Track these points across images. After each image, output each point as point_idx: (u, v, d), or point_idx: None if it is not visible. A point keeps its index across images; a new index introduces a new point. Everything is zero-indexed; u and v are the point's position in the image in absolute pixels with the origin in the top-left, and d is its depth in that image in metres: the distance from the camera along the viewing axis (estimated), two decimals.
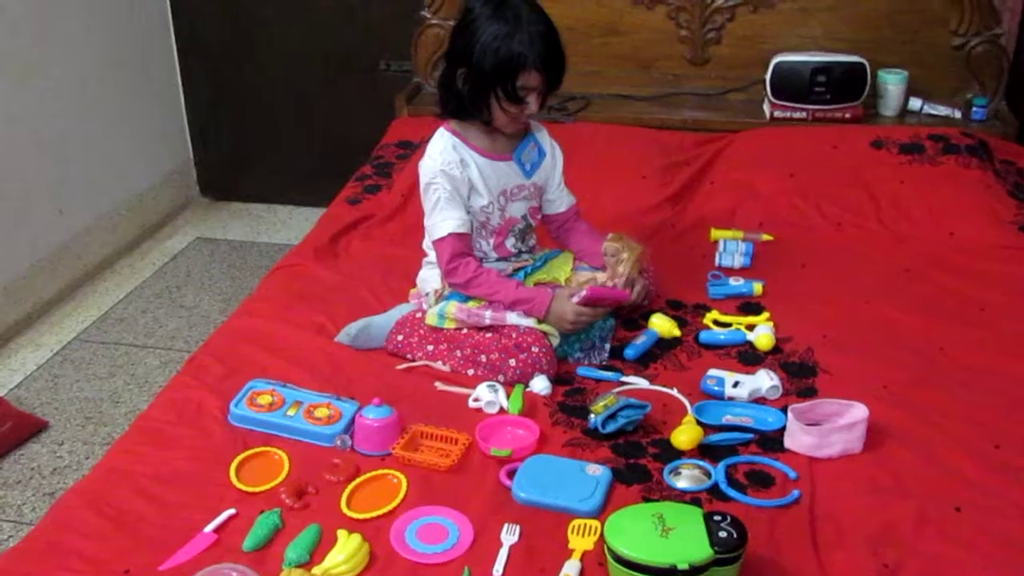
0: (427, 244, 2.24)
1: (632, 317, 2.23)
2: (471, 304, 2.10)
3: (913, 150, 2.80)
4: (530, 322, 2.06)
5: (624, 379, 2.03)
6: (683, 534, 1.45)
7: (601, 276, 2.14)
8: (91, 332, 3.24)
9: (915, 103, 3.09)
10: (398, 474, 1.74)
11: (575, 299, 2.05)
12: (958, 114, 3.05)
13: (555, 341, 2.08)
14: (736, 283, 2.36)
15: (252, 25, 3.84)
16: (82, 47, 3.49)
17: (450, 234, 2.09)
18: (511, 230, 2.22)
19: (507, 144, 2.17)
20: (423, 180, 2.13)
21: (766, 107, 3.11)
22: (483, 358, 2.04)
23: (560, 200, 2.29)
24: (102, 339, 3.20)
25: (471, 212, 2.13)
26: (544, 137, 2.25)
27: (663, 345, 2.14)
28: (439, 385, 2.01)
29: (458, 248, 2.09)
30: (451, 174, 2.08)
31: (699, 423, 1.84)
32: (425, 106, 3.30)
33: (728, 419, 1.88)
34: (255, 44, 3.88)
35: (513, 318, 2.06)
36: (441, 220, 2.09)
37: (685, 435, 1.80)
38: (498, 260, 2.22)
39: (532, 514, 1.64)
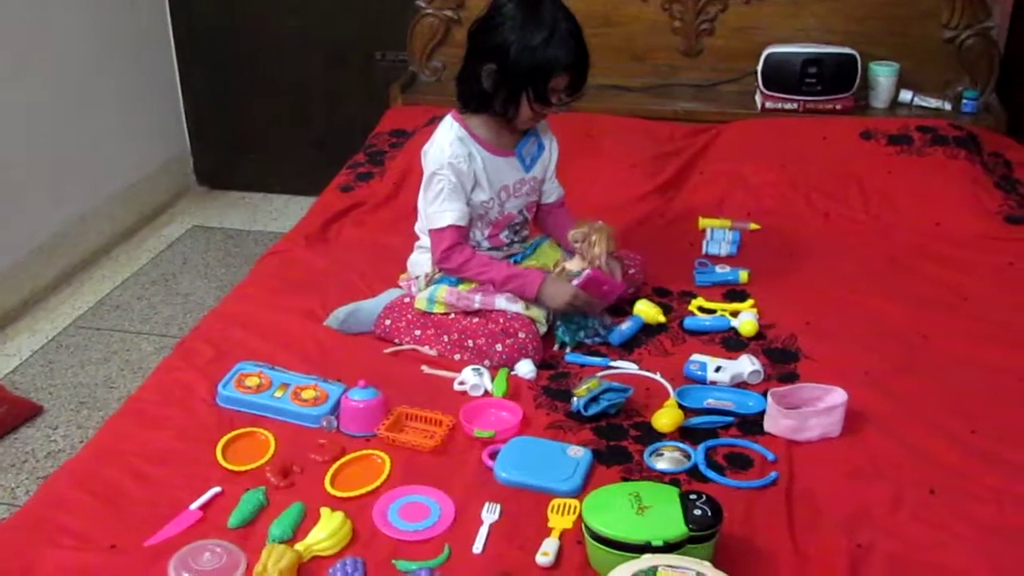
0: (420, 227, 2.26)
1: (618, 304, 2.25)
2: (462, 287, 2.13)
3: (901, 141, 2.82)
4: (518, 308, 2.08)
5: (612, 364, 2.05)
6: (659, 512, 1.48)
7: (571, 263, 2.16)
8: (87, 318, 3.27)
9: (906, 95, 3.10)
10: (382, 454, 1.76)
11: (575, 281, 2.08)
12: (948, 107, 3.07)
13: (542, 328, 2.11)
14: (722, 271, 2.38)
15: (249, 14, 3.86)
16: (80, 36, 3.51)
17: (449, 226, 2.11)
18: (508, 225, 2.25)
19: (510, 139, 2.19)
20: (429, 168, 2.15)
21: (758, 98, 3.13)
22: (470, 343, 2.07)
23: (551, 192, 2.32)
24: (98, 325, 3.22)
25: (471, 205, 2.15)
26: (544, 131, 2.28)
27: (648, 331, 2.16)
28: (425, 369, 2.04)
29: (455, 239, 2.12)
30: (458, 167, 2.10)
31: (681, 407, 1.87)
32: (420, 95, 3.32)
33: (710, 403, 1.91)
34: (252, 34, 3.89)
35: (502, 303, 2.08)
36: (442, 211, 2.11)
37: (666, 418, 1.82)
38: (490, 249, 2.25)
39: (513, 494, 1.66)
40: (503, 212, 2.21)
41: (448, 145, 2.12)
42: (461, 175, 2.11)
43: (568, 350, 2.12)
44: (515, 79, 2.04)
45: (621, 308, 2.23)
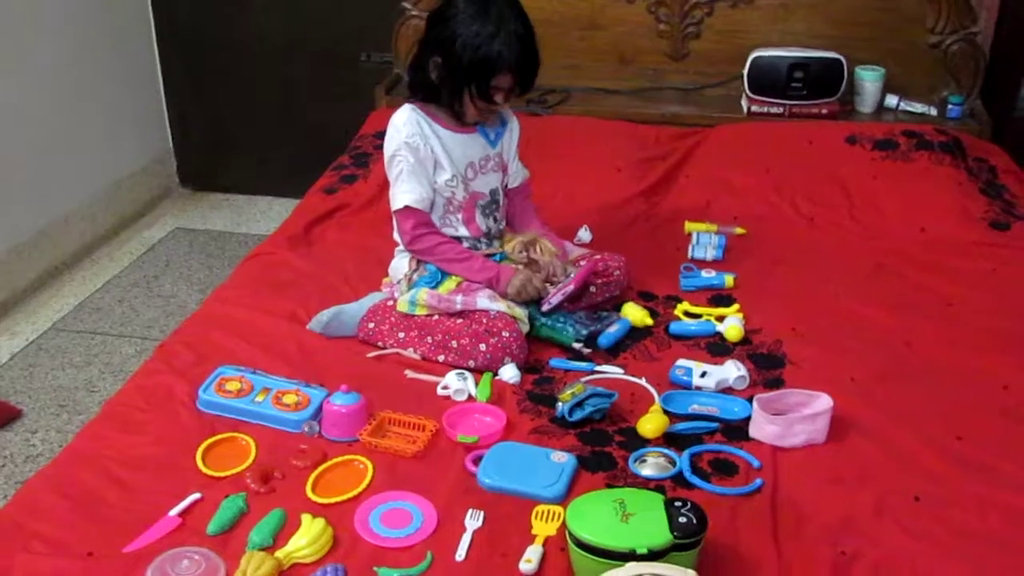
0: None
1: (605, 309, 2.24)
2: (441, 290, 2.12)
3: (887, 146, 2.82)
4: (501, 307, 2.07)
5: (597, 369, 2.04)
6: (643, 519, 1.46)
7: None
8: (67, 321, 3.24)
9: (891, 100, 3.11)
10: (364, 460, 1.75)
11: (545, 307, 2.11)
12: (934, 112, 3.07)
13: (525, 328, 2.10)
14: (708, 275, 2.37)
15: (233, 14, 3.84)
16: (62, 35, 3.48)
17: (407, 206, 2.12)
18: (476, 205, 2.23)
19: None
20: (387, 152, 2.16)
21: (744, 102, 3.12)
22: (454, 344, 2.05)
23: (516, 174, 2.33)
24: (78, 328, 3.19)
25: (436, 188, 2.16)
26: (506, 110, 2.27)
27: (634, 335, 2.15)
28: (409, 373, 2.02)
29: (420, 218, 2.14)
30: (414, 146, 2.11)
31: (666, 412, 1.86)
32: (405, 98, 3.30)
33: (695, 408, 1.90)
34: (236, 34, 3.87)
35: (484, 302, 2.07)
36: (401, 192, 2.13)
37: (651, 424, 1.81)
38: (472, 243, 2.23)
39: (496, 500, 1.65)
40: (469, 191, 2.20)
41: (403, 125, 2.13)
42: (419, 155, 2.12)
43: (582, 345, 2.09)
44: (457, 73, 2.05)
45: (608, 312, 2.22)
